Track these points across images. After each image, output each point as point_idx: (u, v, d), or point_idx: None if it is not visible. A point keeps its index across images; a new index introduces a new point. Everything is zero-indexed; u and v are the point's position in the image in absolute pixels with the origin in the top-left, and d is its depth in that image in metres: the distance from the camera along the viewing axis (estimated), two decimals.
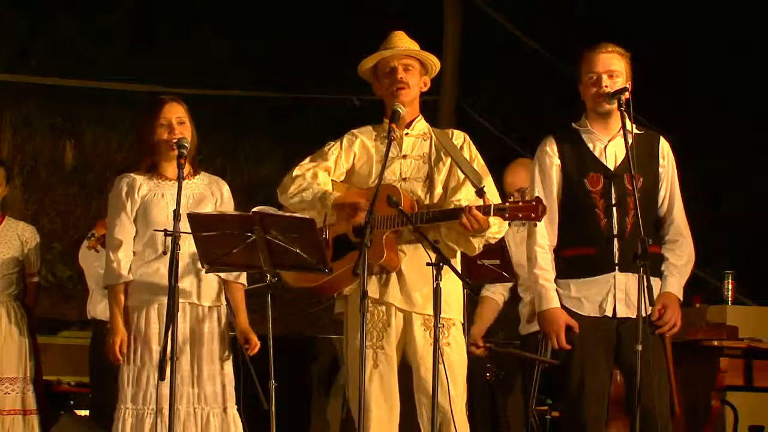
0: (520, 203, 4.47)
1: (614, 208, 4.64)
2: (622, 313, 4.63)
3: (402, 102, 4.74)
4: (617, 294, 4.63)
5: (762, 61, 10.90)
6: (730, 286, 7.05)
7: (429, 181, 4.78)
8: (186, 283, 4.85)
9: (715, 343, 5.85)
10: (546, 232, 4.72)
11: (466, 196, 4.68)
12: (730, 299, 7.02)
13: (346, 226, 4.73)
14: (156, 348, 4.80)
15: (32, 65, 12.46)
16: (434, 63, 4.90)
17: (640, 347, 4.31)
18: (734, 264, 7.39)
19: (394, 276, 4.68)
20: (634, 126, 4.62)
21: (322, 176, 4.82)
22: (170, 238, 4.58)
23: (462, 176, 4.71)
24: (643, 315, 4.52)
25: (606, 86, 4.65)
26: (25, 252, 6.48)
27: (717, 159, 10.97)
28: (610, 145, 4.72)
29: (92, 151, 12.05)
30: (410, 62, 4.82)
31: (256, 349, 4.99)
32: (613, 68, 4.68)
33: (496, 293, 6.17)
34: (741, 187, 11.14)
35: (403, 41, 4.85)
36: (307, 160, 4.90)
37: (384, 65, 4.84)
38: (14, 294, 6.42)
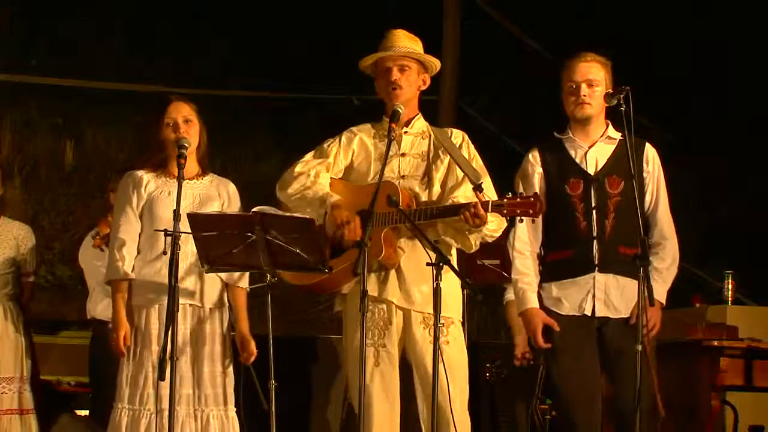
0: (518, 199, 4.46)
1: (594, 212, 4.71)
2: (601, 312, 4.69)
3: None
4: (596, 294, 4.69)
5: (761, 63, 10.88)
6: (730, 286, 7.06)
7: (427, 179, 4.78)
8: (188, 283, 4.84)
9: (715, 343, 5.85)
10: (527, 238, 4.79)
11: (464, 194, 4.68)
12: (730, 299, 7.03)
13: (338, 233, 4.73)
14: (155, 348, 4.80)
15: (32, 65, 12.45)
16: (433, 62, 4.89)
17: (639, 347, 4.32)
18: (734, 264, 7.39)
19: (393, 273, 4.68)
20: (619, 134, 4.70)
21: (324, 177, 4.82)
22: (170, 238, 4.58)
23: (461, 174, 4.71)
24: (624, 317, 4.66)
25: (584, 95, 4.72)
26: (21, 252, 6.46)
27: (716, 160, 10.95)
28: (591, 150, 4.80)
29: (92, 151, 12.04)
30: (407, 63, 4.82)
31: (252, 359, 4.95)
32: (591, 77, 4.74)
33: None
34: (740, 188, 11.12)
35: (400, 41, 4.83)
36: (310, 155, 4.89)
37: (381, 65, 4.84)
38: (10, 294, 6.41)
